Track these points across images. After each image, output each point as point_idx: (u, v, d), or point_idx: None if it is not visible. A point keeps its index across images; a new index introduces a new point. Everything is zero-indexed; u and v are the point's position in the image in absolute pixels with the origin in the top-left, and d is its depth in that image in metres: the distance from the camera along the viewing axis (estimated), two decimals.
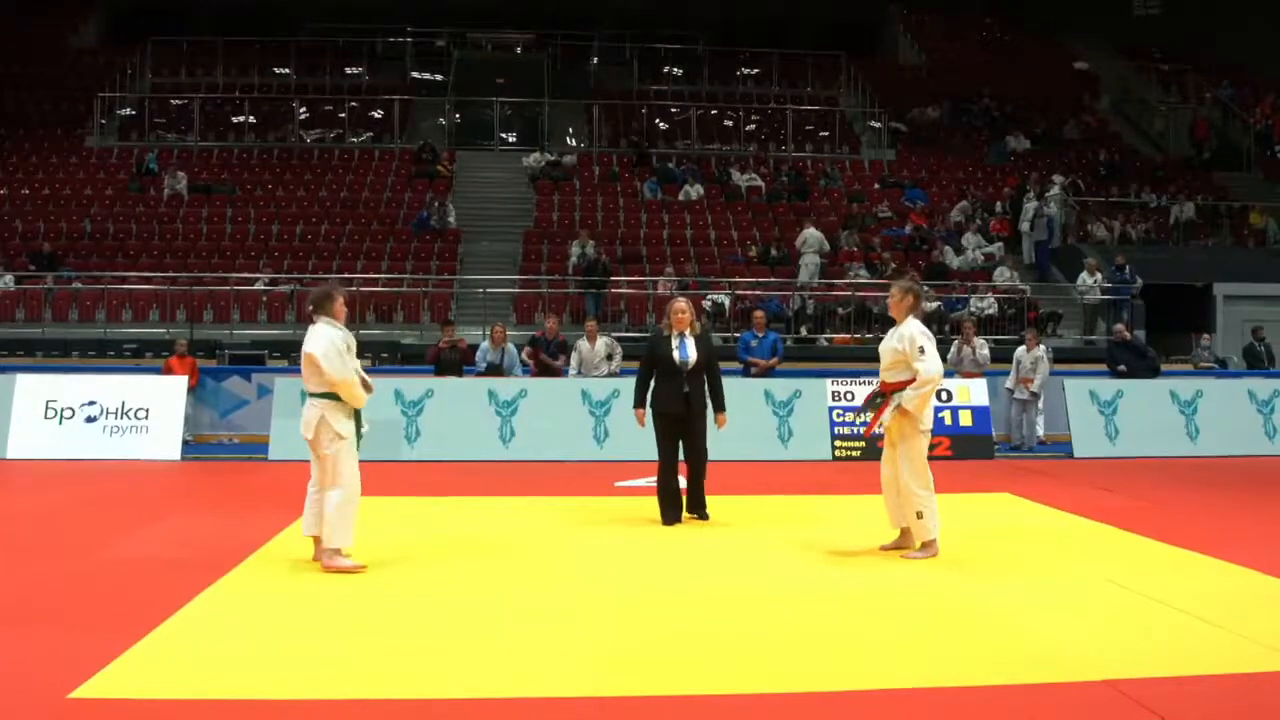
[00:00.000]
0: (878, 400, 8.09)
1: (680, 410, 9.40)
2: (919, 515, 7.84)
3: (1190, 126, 30.89)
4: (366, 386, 7.52)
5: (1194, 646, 5.68)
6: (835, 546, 8.35)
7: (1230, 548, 8.12)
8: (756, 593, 6.86)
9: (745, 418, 10.89)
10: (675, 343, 9.46)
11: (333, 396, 7.39)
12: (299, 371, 7.67)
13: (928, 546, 7.87)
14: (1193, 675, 5.19)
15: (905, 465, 7.85)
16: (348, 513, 7.41)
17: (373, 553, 7.70)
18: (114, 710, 4.68)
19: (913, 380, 7.81)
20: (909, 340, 7.84)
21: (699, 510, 9.61)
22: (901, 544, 8.09)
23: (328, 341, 7.36)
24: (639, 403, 9.60)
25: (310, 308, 7.65)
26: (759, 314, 16.50)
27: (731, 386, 14.26)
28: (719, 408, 9.59)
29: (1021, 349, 16.12)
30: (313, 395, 7.47)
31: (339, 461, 7.41)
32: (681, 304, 9.63)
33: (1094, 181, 27.33)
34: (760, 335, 15.67)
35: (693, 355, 9.39)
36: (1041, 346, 16.20)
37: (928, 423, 7.94)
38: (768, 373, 15.29)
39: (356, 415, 7.57)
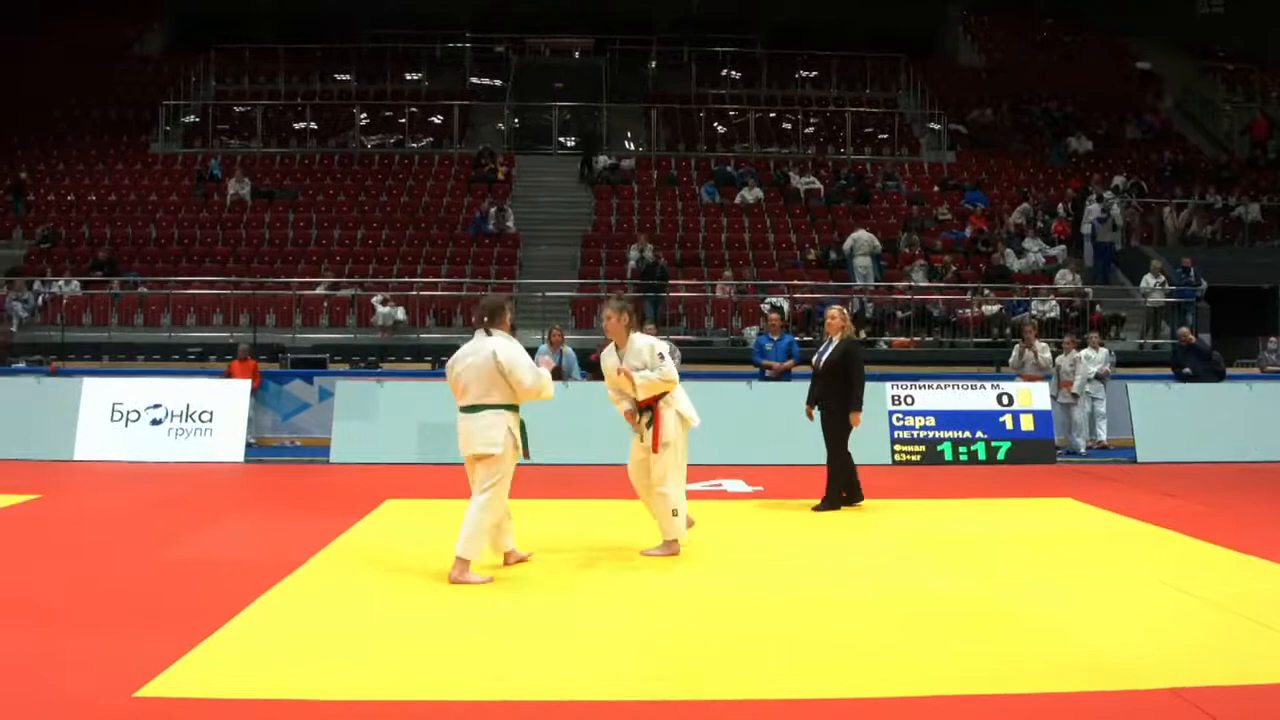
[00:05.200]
0: (645, 415, 8.02)
1: (816, 406, 10.45)
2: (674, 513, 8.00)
3: (1247, 126, 30.39)
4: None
5: (1261, 654, 5.57)
6: (892, 551, 8.30)
7: None
8: (806, 598, 6.79)
9: (797, 421, 10.94)
10: (822, 346, 10.53)
11: (514, 409, 7.25)
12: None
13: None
14: (1260, 684, 5.09)
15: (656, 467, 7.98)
16: (489, 528, 7.26)
17: (414, 559, 7.76)
18: (179, 709, 4.74)
19: (665, 394, 7.95)
20: (648, 351, 7.90)
21: (823, 504, 10.27)
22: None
23: (522, 353, 7.26)
24: (808, 401, 10.57)
25: (485, 319, 7.37)
26: (774, 316, 16.39)
27: (771, 390, 14.35)
28: (853, 407, 10.21)
29: (1061, 355, 16.02)
30: (496, 407, 7.20)
31: (507, 478, 7.29)
32: (832, 311, 10.63)
33: (1158, 183, 26.93)
34: (775, 338, 15.44)
35: (825, 358, 10.32)
36: (1083, 350, 16.06)
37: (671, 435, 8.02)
38: (783, 375, 14.92)
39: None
